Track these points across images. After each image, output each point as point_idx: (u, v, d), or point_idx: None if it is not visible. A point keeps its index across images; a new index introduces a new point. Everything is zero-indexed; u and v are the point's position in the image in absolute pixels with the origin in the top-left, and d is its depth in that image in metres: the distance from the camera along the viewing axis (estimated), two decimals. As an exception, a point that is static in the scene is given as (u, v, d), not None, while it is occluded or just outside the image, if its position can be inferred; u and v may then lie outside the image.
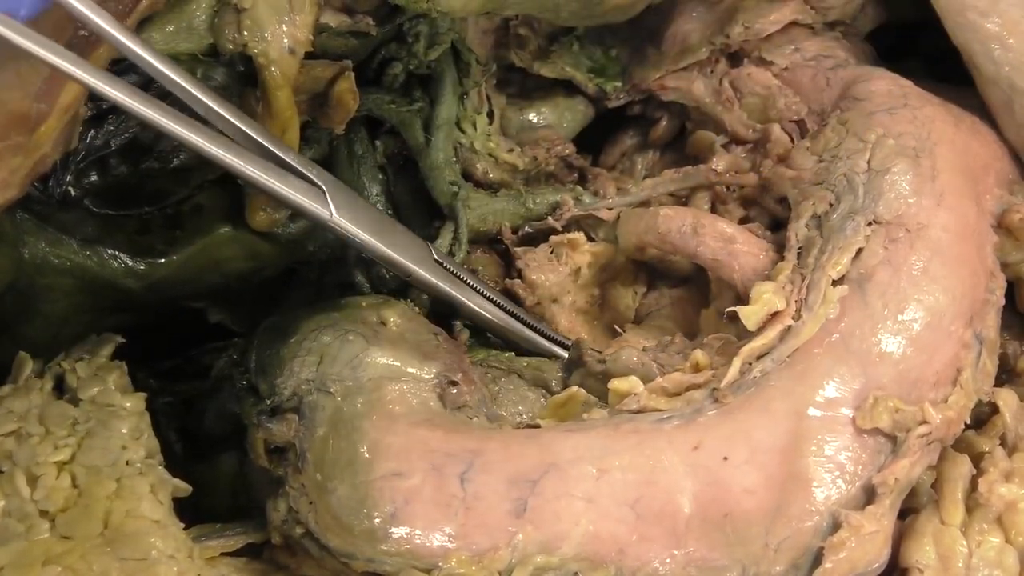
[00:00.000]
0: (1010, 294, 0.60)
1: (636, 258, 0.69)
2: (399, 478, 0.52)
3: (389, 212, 0.72)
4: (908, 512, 0.54)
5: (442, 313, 0.66)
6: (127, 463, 0.54)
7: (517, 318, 0.65)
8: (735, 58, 0.71)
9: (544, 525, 0.51)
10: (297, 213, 0.56)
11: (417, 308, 0.63)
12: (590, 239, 0.71)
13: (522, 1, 0.64)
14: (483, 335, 0.67)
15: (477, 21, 0.74)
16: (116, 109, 0.57)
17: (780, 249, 0.60)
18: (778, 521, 0.50)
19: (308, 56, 0.59)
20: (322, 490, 0.53)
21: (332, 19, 0.63)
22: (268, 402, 0.57)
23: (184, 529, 0.54)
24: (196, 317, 0.72)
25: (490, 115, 0.74)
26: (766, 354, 0.54)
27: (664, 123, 0.76)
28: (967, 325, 0.55)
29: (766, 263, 0.60)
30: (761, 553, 0.50)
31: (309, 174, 0.56)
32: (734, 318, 0.56)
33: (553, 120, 0.76)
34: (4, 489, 0.52)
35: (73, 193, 0.64)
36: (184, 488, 0.55)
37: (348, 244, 0.59)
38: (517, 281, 0.70)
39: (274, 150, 0.56)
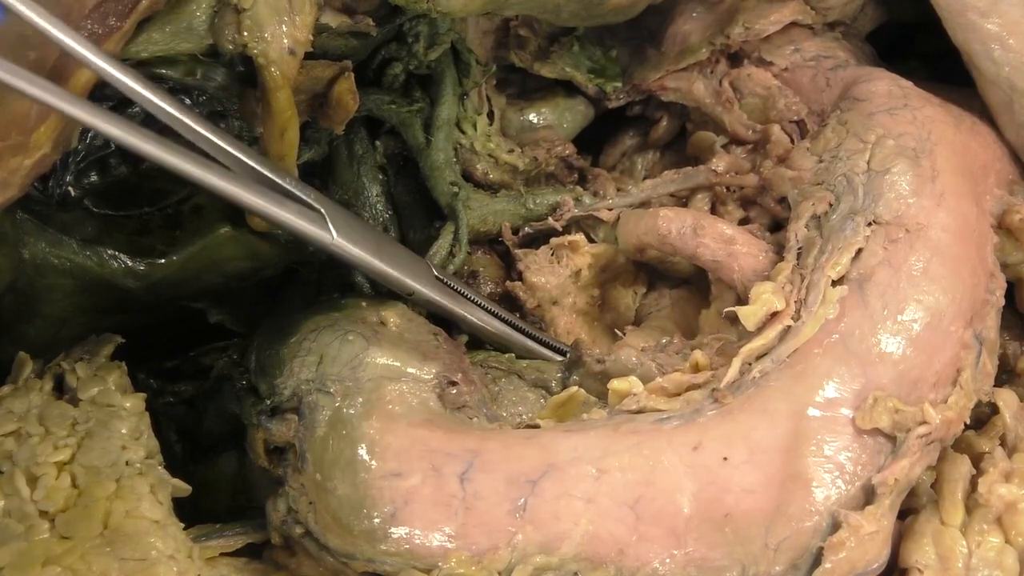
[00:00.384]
0: (1010, 294, 0.60)
1: (636, 259, 0.69)
2: (399, 478, 0.52)
3: (389, 212, 0.72)
4: (908, 512, 0.54)
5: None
6: (127, 463, 0.54)
7: (518, 329, 0.66)
8: (735, 58, 0.72)
9: (544, 525, 0.51)
10: (298, 238, 0.56)
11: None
12: (590, 240, 0.71)
13: (523, 2, 0.64)
14: (483, 337, 0.67)
15: (477, 22, 0.74)
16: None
17: (780, 250, 0.60)
18: (778, 521, 0.50)
19: (308, 56, 0.59)
20: (322, 490, 0.53)
21: (332, 19, 0.63)
22: (268, 402, 0.57)
23: (184, 529, 0.53)
24: (196, 317, 0.72)
25: (490, 116, 0.74)
26: (766, 354, 0.54)
27: (664, 124, 0.76)
28: (967, 325, 0.55)
29: (766, 264, 0.60)
30: (761, 553, 0.50)
31: (307, 198, 0.56)
32: (734, 318, 0.56)
33: (553, 121, 0.76)
34: (4, 489, 0.52)
35: (73, 193, 0.64)
36: (184, 488, 0.55)
37: (350, 265, 0.59)
38: (518, 283, 0.70)
39: (270, 175, 0.56)
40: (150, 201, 0.65)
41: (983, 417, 0.58)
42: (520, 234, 0.72)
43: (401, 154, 0.73)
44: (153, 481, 0.54)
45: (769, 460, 0.51)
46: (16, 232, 0.61)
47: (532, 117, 0.76)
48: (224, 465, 0.65)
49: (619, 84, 0.76)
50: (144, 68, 0.57)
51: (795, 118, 0.68)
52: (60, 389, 0.58)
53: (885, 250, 0.55)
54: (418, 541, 0.51)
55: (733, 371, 0.53)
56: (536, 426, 0.56)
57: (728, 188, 0.68)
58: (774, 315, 0.55)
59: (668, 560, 0.51)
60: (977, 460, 0.55)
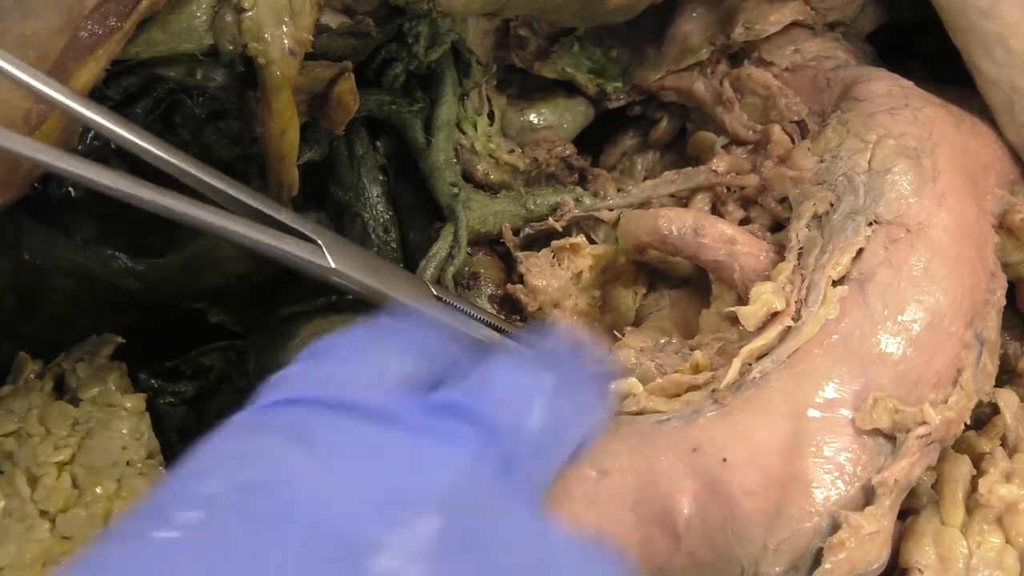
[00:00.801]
0: (1011, 294, 0.60)
1: (636, 259, 0.69)
2: (399, 478, 0.51)
3: (390, 213, 0.72)
4: (908, 513, 0.54)
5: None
6: (128, 463, 0.54)
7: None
8: (735, 59, 0.71)
9: (544, 526, 0.51)
10: (297, 271, 0.56)
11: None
12: (591, 240, 0.71)
13: (523, 2, 0.64)
14: (483, 337, 0.67)
15: (478, 22, 0.74)
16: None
17: (781, 250, 0.60)
18: (778, 522, 0.50)
19: (308, 57, 0.59)
20: (322, 490, 0.53)
21: (332, 20, 0.63)
22: (268, 403, 0.57)
23: (184, 529, 0.53)
24: (196, 317, 0.72)
25: (490, 116, 0.74)
26: (766, 355, 0.54)
27: (664, 124, 0.76)
28: (967, 325, 0.55)
29: (767, 264, 0.60)
30: (761, 554, 0.50)
31: (303, 230, 0.56)
32: (734, 319, 0.56)
33: (553, 121, 0.76)
34: (4, 489, 0.52)
35: (73, 193, 0.64)
36: (184, 488, 0.55)
37: (350, 292, 0.59)
38: (519, 287, 0.69)
39: (263, 209, 0.55)
40: (150, 201, 0.65)
41: (984, 417, 0.58)
42: (521, 235, 0.72)
43: (401, 155, 0.73)
44: (154, 481, 0.54)
45: (769, 461, 0.51)
46: (16, 232, 0.61)
47: (532, 117, 0.76)
48: (224, 465, 0.65)
49: (619, 84, 0.75)
50: (144, 68, 0.57)
51: (795, 118, 0.68)
52: (60, 389, 0.58)
53: (886, 250, 0.55)
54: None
55: (733, 372, 0.53)
56: (536, 427, 0.56)
57: (728, 188, 0.68)
58: (774, 315, 0.54)
59: (668, 561, 0.50)
60: (978, 460, 0.55)
